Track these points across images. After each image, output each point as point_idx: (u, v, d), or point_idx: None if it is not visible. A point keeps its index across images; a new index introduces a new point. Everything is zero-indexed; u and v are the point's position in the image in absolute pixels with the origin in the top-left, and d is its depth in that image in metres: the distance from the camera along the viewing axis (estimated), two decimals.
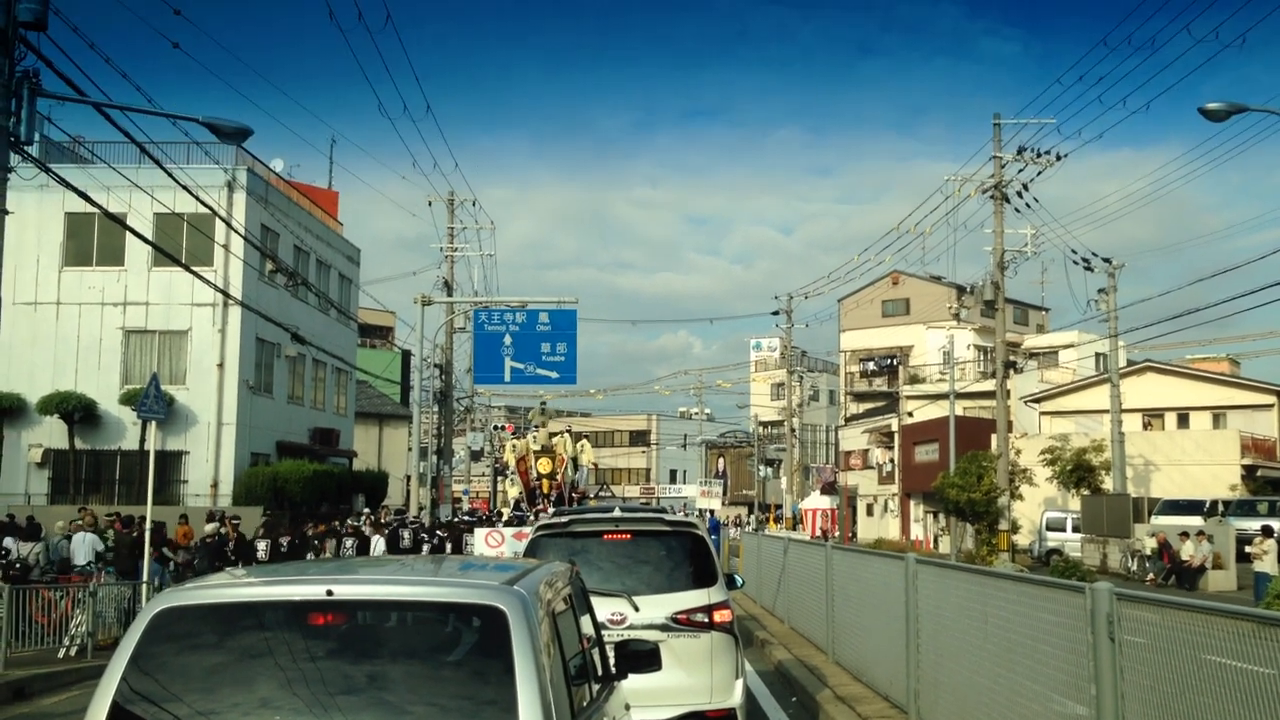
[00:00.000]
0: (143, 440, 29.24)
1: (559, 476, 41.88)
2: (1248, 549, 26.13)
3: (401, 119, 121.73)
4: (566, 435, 43.59)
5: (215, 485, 31.88)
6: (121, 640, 3.96)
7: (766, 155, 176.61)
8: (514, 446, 46.65)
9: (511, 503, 45.01)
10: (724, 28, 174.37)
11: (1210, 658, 5.16)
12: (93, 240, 32.43)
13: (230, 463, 32.26)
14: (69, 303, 32.44)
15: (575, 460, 45.94)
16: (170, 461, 31.15)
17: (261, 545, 21.43)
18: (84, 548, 20.38)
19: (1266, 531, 25.40)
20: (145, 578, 18.29)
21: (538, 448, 42.36)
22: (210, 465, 32.12)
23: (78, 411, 31.53)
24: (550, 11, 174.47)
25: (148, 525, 19.26)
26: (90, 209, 18.79)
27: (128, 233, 23.82)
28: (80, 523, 21.12)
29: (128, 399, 30.69)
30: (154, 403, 18.43)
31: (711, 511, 59.95)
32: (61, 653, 15.69)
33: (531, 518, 30.50)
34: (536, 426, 43.30)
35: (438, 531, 27.58)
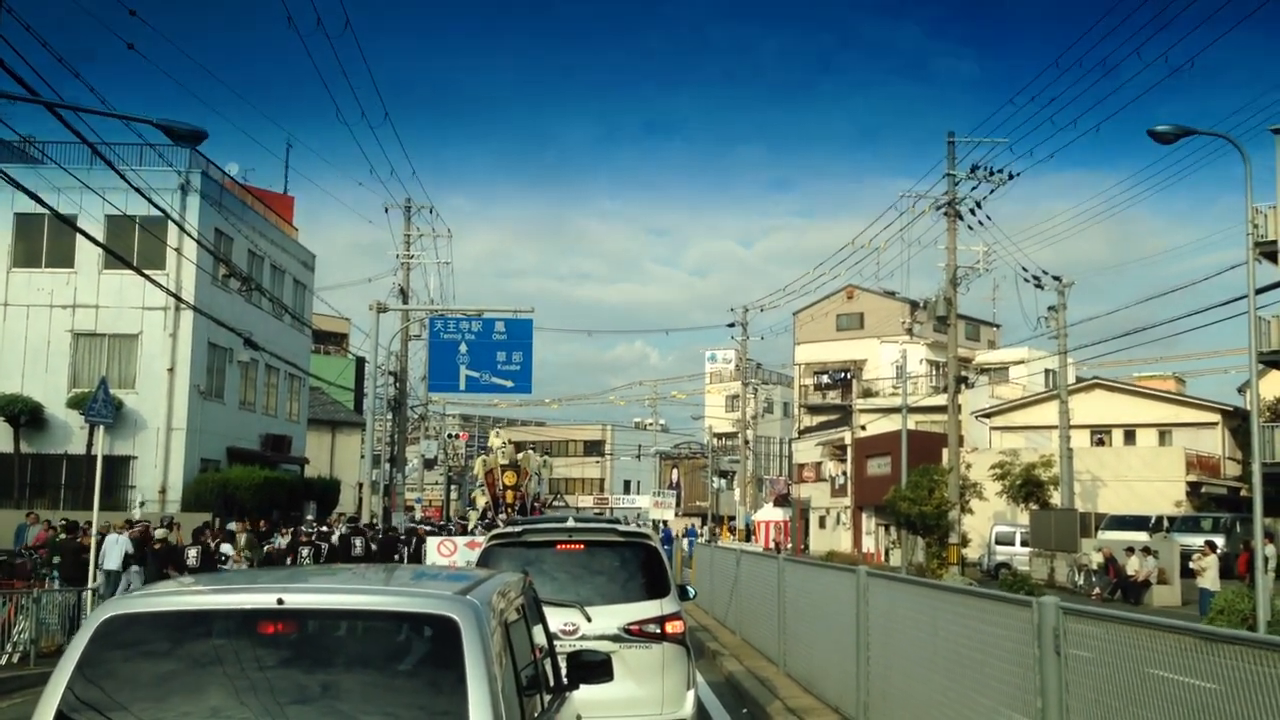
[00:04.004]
0: (90, 444, 28.83)
1: (522, 488, 43.34)
2: (1191, 564, 26.52)
3: (359, 126, 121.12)
4: (531, 451, 45.13)
5: (164, 491, 31.48)
6: (67, 648, 3.90)
7: (727, 169, 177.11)
8: (483, 460, 48.90)
9: (479, 510, 46.52)
10: (685, 43, 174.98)
11: (1154, 671, 5.24)
12: (42, 242, 31.97)
13: (180, 468, 31.88)
14: (17, 305, 31.97)
15: (538, 474, 47.86)
16: (118, 467, 30.71)
17: (192, 551, 21.23)
18: (115, 550, 20.21)
19: (1210, 546, 25.80)
20: (91, 584, 18.04)
21: (505, 462, 43.95)
22: (159, 471, 31.71)
23: (24, 414, 31.04)
24: (512, 24, 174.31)
25: (94, 531, 19.02)
26: (40, 210, 18.58)
27: (78, 235, 23.51)
28: (111, 524, 21.18)
29: (75, 402, 30.26)
30: (102, 407, 18.23)
31: (666, 523, 60.16)
32: (4, 660, 15.43)
33: (499, 525, 30.90)
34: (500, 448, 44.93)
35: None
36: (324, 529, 28.12)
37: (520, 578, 5.55)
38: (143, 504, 29.34)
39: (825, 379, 74.70)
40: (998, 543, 38.90)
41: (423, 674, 3.91)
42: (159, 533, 21.74)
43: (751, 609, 17.17)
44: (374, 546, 27.00)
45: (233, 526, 25.91)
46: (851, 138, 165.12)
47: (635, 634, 8.60)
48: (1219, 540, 30.46)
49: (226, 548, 23.50)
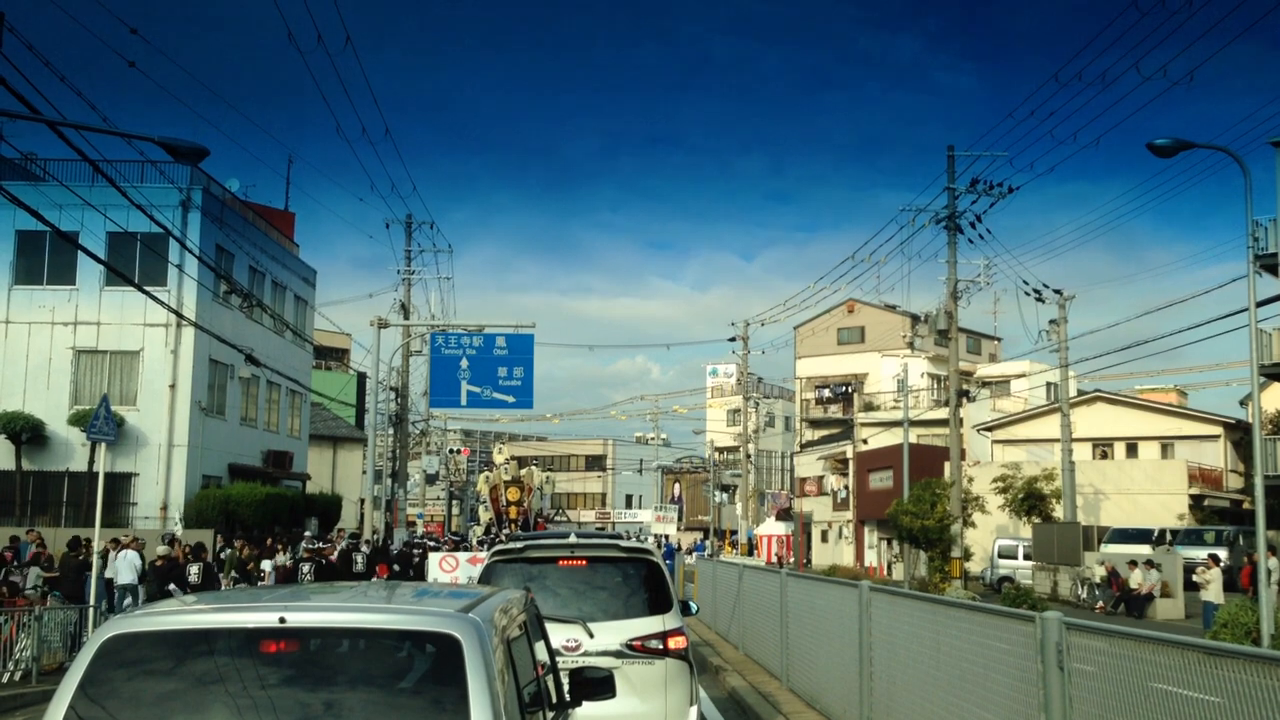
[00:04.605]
0: (91, 462, 28.82)
1: (525, 503, 44.03)
2: (1194, 577, 26.49)
3: (360, 142, 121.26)
4: (534, 467, 45.96)
5: (165, 508, 31.46)
6: (70, 667, 3.90)
7: (728, 182, 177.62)
8: (487, 477, 49.86)
9: (484, 525, 47.30)
10: (686, 56, 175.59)
11: (1158, 686, 5.23)
12: (44, 259, 32.01)
13: (181, 485, 31.85)
14: (18, 321, 31.98)
15: (541, 490, 48.75)
16: (120, 483, 30.69)
17: (194, 568, 21.22)
18: (125, 565, 20.25)
19: (1213, 559, 25.76)
20: (92, 601, 18.03)
21: (509, 478, 44.71)
22: (160, 487, 31.68)
23: (25, 432, 31.02)
24: (513, 38, 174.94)
25: (95, 548, 19.00)
26: (42, 227, 18.60)
27: (80, 252, 23.56)
28: (122, 540, 21.24)
29: (77, 420, 30.26)
30: (104, 424, 18.21)
31: (667, 537, 60.15)
32: (5, 677, 15.41)
33: (502, 540, 31.39)
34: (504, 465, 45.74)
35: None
36: (322, 544, 28.20)
37: (522, 594, 5.54)
38: (180, 520, 28.92)
39: (826, 393, 74.70)
40: (1000, 556, 38.85)
41: (425, 692, 3.91)
42: (160, 549, 21.73)
43: (754, 624, 17.13)
44: (396, 566, 27.59)
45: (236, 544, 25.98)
46: (852, 151, 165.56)
47: (638, 650, 8.58)
48: (1222, 553, 30.41)
49: (267, 564, 23.72)
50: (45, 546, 22.28)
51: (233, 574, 23.52)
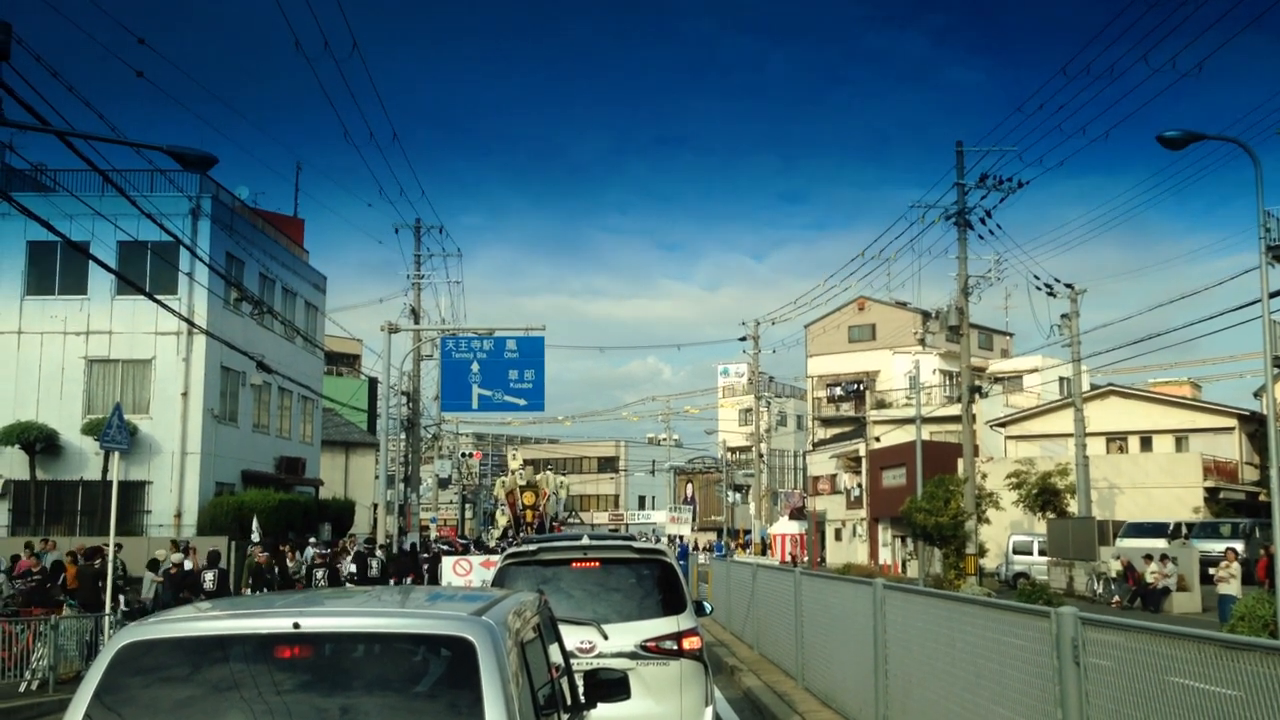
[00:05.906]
0: (105, 470, 28.91)
1: (541, 507, 44.54)
2: (1211, 571, 26.38)
3: (368, 147, 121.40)
4: (549, 472, 46.68)
5: (179, 515, 31.56)
6: (85, 675, 3.91)
7: (738, 182, 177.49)
8: (503, 482, 50.72)
9: (500, 529, 47.94)
10: (693, 56, 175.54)
11: (1174, 680, 5.20)
12: (55, 269, 32.14)
13: (194, 493, 31.94)
14: (30, 332, 32.12)
15: (556, 493, 49.49)
16: (133, 492, 30.79)
17: (209, 575, 21.26)
18: None
19: (1232, 553, 25.65)
20: (108, 610, 18.07)
21: (524, 483, 45.31)
22: (174, 495, 31.79)
23: (39, 442, 31.16)
24: (521, 39, 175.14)
25: (110, 556, 19.04)
26: (53, 237, 18.66)
27: (91, 262, 23.64)
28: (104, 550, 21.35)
29: (90, 429, 30.37)
30: (117, 433, 18.26)
31: (681, 538, 60.18)
32: (22, 687, 15.46)
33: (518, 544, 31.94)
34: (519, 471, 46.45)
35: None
36: (329, 550, 28.10)
37: (536, 597, 5.54)
38: (258, 531, 28.33)
39: (838, 391, 74.60)
40: (1015, 552, 38.74)
41: (440, 695, 3.91)
42: (174, 557, 21.77)
43: (769, 623, 17.11)
44: (424, 570, 27.86)
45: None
46: (861, 148, 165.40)
47: (652, 651, 8.57)
48: (1238, 546, 30.29)
49: (352, 567, 23.82)
50: (38, 558, 21.26)
51: (266, 577, 23.28)
